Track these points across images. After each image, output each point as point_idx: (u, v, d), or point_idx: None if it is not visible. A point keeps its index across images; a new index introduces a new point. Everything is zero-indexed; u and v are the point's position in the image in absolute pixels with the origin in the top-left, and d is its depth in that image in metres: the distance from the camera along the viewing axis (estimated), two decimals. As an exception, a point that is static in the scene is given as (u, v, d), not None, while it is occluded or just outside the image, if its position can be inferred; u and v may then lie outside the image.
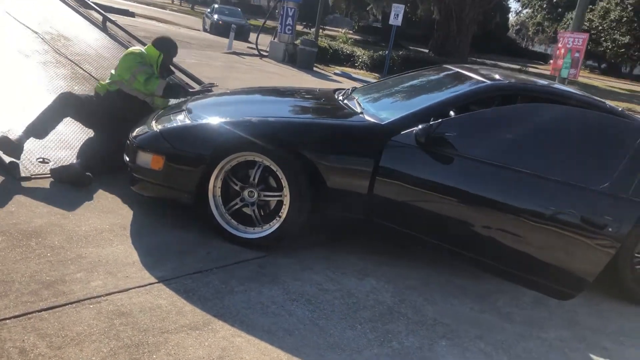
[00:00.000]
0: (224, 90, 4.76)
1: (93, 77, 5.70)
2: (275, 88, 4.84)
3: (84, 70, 5.86)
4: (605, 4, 39.00)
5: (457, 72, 4.06)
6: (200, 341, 2.45)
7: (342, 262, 3.48)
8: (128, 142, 3.65)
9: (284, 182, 3.33)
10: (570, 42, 11.12)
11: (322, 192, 3.35)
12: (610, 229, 2.80)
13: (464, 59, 18.15)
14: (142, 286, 2.81)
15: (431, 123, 3.15)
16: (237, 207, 3.43)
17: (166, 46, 4.55)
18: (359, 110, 3.67)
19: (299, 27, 19.99)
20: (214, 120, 3.44)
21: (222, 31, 22.16)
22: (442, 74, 4.22)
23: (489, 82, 3.57)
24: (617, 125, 3.12)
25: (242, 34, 21.73)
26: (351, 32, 29.22)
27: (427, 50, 23.50)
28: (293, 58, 15.21)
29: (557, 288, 3.01)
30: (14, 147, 3.82)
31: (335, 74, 14.80)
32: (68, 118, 4.26)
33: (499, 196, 3.04)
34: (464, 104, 3.48)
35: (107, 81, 4.36)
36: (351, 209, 3.40)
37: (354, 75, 14.65)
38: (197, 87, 5.04)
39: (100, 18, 7.41)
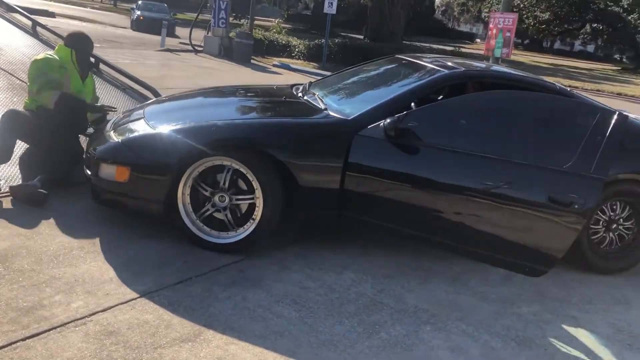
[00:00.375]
0: (181, 92, 4.66)
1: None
2: (233, 87, 4.79)
3: (21, 80, 5.61)
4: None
5: (412, 62, 4.15)
6: (195, 353, 2.44)
7: (317, 259, 3.51)
8: (88, 154, 3.54)
9: (256, 184, 3.32)
10: (501, 22, 11.52)
11: (293, 191, 3.37)
12: (576, 206, 2.97)
13: (399, 43, 18.44)
14: (125, 302, 2.75)
15: (398, 115, 3.22)
16: (208, 213, 3.40)
17: (76, 41, 4.28)
18: (322, 106, 3.69)
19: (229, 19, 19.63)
20: (178, 126, 3.38)
21: (145, 27, 21.57)
22: (397, 65, 4.30)
23: (446, 71, 3.66)
24: (574, 108, 3.29)
25: (166, 29, 21.12)
26: (281, 21, 29.07)
27: (361, 37, 23.74)
28: (229, 52, 15.02)
29: (529, 266, 3.16)
30: None
31: (274, 65, 14.73)
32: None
33: (467, 182, 3.15)
34: (425, 94, 3.57)
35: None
36: (324, 206, 3.44)
37: (292, 66, 14.63)
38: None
39: (29, 23, 7.09)
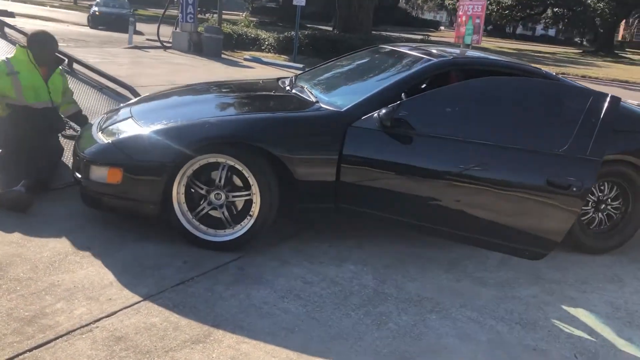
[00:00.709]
0: (163, 90, 4.56)
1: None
2: (219, 83, 4.72)
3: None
4: (487, -32, 40.80)
5: (398, 51, 4.15)
6: (207, 354, 2.41)
7: (315, 252, 3.50)
8: (77, 157, 3.45)
9: (252, 180, 3.29)
10: (470, 9, 11.63)
11: (289, 185, 3.34)
12: (574, 189, 3.01)
13: (369, 34, 18.45)
14: (129, 306, 2.70)
15: (393, 105, 3.21)
16: (205, 211, 3.35)
17: (32, 40, 4.12)
18: (313, 99, 3.67)
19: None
20: (170, 124, 3.32)
21: (102, 23, 20.80)
22: (382, 55, 4.30)
23: (436, 59, 3.68)
24: (567, 92, 3.34)
25: (122, 25, 20.43)
26: (248, 14, 28.78)
27: (328, 28, 23.68)
28: (198, 47, 14.82)
29: (530, 249, 3.20)
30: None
31: (246, 59, 14.59)
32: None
33: (465, 170, 3.17)
34: (415, 83, 3.57)
35: None
36: (320, 199, 3.42)
37: (264, 59, 14.52)
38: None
39: (-5, 25, 6.86)
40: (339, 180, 3.35)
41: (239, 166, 3.27)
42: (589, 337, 2.88)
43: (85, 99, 5.65)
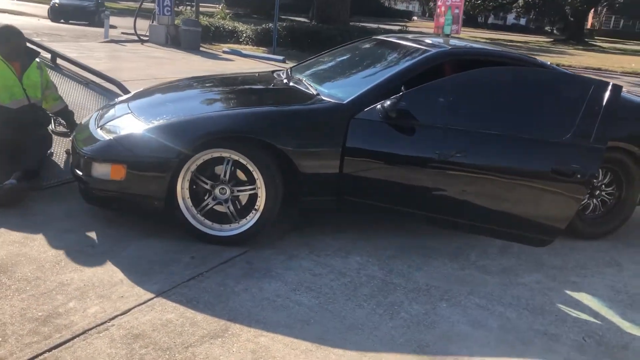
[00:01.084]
0: (159, 84, 4.50)
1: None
2: (213, 77, 4.67)
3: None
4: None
5: (394, 42, 4.17)
6: (227, 348, 2.41)
7: (320, 245, 3.51)
8: (77, 154, 3.40)
9: (257, 175, 3.28)
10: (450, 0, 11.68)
11: (293, 179, 3.35)
12: (578, 176, 3.07)
13: (347, 25, 18.42)
14: (143, 303, 2.68)
15: (397, 96, 3.23)
16: (209, 206, 3.34)
17: None
18: (313, 92, 3.67)
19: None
20: (173, 120, 3.29)
21: (62, 15, 19.99)
22: (378, 46, 4.31)
23: (434, 50, 3.71)
24: (569, 81, 3.40)
25: (84, 16, 19.90)
26: (224, 7, 28.44)
27: (303, 20, 23.56)
28: (176, 40, 14.64)
29: (536, 236, 3.26)
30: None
31: (225, 52, 14.46)
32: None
33: (470, 159, 3.21)
34: (415, 74, 3.59)
35: None
36: (324, 192, 3.43)
37: (244, 52, 14.41)
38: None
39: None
40: (342, 173, 3.36)
41: (244, 160, 3.26)
42: (594, 321, 2.95)
43: (71, 94, 5.55)
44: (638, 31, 56.69)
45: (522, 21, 63.54)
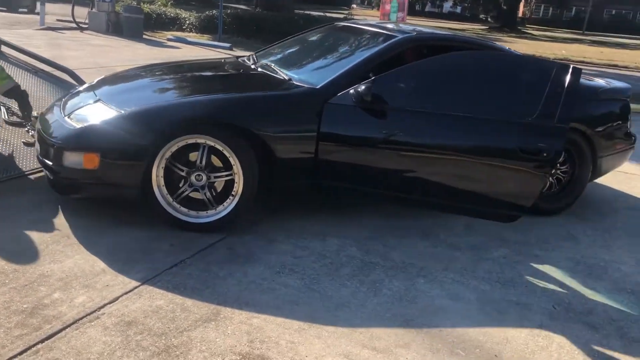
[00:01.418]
0: (125, 70, 4.39)
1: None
2: (179, 63, 4.61)
3: None
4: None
5: (358, 28, 4.25)
6: (222, 331, 2.44)
7: (297, 229, 3.57)
8: (46, 144, 3.30)
9: (233, 160, 3.30)
10: (395, -13, 11.87)
11: (269, 164, 3.38)
12: (544, 154, 3.25)
13: (291, 12, 18.37)
14: (130, 291, 2.67)
15: (371, 81, 3.31)
16: (186, 193, 3.33)
17: None
18: (284, 77, 3.70)
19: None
20: (147, 107, 3.26)
21: None
22: (342, 32, 4.38)
23: (401, 35, 3.81)
24: (533, 64, 3.57)
25: (5, 2, 18.85)
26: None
27: (245, 7, 23.29)
28: (117, 27, 14.19)
29: (505, 213, 3.43)
30: None
31: (169, 39, 14.15)
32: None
33: (442, 141, 3.34)
34: (384, 59, 3.68)
35: None
36: (300, 176, 3.48)
37: (189, 39, 14.14)
38: None
39: None
40: (317, 157, 3.42)
41: (220, 146, 3.27)
42: (560, 290, 3.15)
43: (21, 83, 5.34)
44: (566, 19, 59.17)
45: (458, 9, 65.09)
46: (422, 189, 3.44)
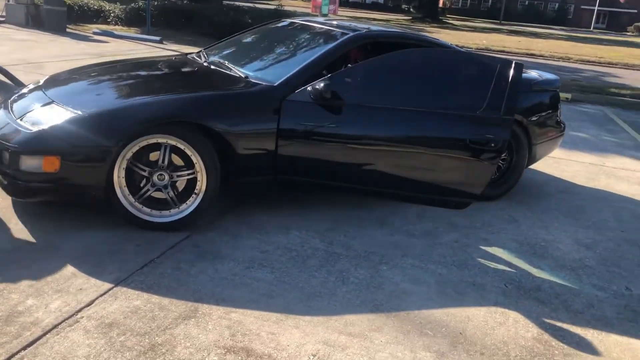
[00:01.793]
0: (73, 69, 4.27)
1: None
2: (130, 61, 4.54)
3: None
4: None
5: (309, 25, 4.36)
6: (203, 327, 2.51)
7: (259, 224, 3.65)
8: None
9: (196, 159, 3.34)
10: (326, -20, 12.02)
11: (231, 161, 3.44)
12: (492, 145, 3.49)
13: (220, 4, 18.15)
14: (105, 293, 2.68)
15: (328, 78, 3.43)
16: (148, 193, 3.34)
17: None
18: (240, 75, 3.76)
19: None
20: (106, 108, 3.24)
21: None
22: (293, 28, 4.47)
23: (352, 33, 3.94)
24: (479, 60, 3.79)
25: None
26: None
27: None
28: (38, 20, 13.59)
29: (457, 200, 3.65)
30: None
31: (95, 33, 13.67)
32: None
33: (396, 134, 3.51)
34: (338, 55, 3.81)
35: None
36: (261, 172, 3.56)
37: (116, 33, 13.73)
38: None
39: None
40: (277, 153, 3.52)
41: (182, 145, 3.30)
42: (509, 269, 3.40)
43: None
44: (483, 10, 61.64)
45: (381, 0, 66.27)
46: (379, 180, 3.61)
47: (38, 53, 9.69)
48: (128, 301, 2.64)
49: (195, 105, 3.33)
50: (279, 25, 4.69)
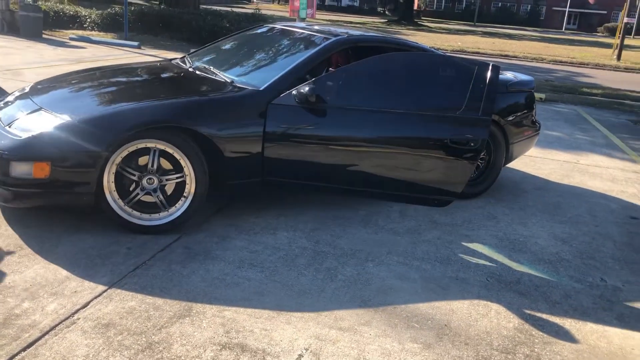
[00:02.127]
0: (59, 76, 4.30)
1: None
2: (115, 68, 4.58)
3: None
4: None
5: (291, 30, 4.46)
6: (198, 325, 2.58)
7: (247, 225, 3.73)
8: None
9: (184, 162, 3.41)
10: (304, -16, 12.13)
11: (218, 164, 3.51)
12: (472, 144, 3.62)
13: (197, 9, 18.15)
14: (99, 295, 2.74)
15: (313, 81, 3.53)
16: (138, 197, 3.40)
17: None
18: (225, 79, 3.84)
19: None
20: (95, 113, 3.29)
21: None
22: (275, 34, 4.56)
23: (334, 37, 4.05)
24: (457, 63, 3.91)
25: None
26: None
27: (147, 4, 22.69)
28: (13, 27, 13.46)
29: (439, 198, 3.77)
30: None
31: (72, 38, 13.58)
32: None
33: (379, 135, 3.62)
34: (321, 60, 3.91)
35: None
36: (248, 174, 3.64)
37: (93, 38, 13.65)
38: None
39: None
40: (264, 156, 3.60)
41: (171, 149, 3.37)
42: (490, 264, 3.53)
43: None
44: (458, 12, 62.36)
45: (357, 2, 66.71)
46: (363, 180, 3.72)
47: (15, 59, 9.63)
48: (123, 302, 2.70)
49: (183, 110, 3.40)
50: (262, 30, 4.78)
